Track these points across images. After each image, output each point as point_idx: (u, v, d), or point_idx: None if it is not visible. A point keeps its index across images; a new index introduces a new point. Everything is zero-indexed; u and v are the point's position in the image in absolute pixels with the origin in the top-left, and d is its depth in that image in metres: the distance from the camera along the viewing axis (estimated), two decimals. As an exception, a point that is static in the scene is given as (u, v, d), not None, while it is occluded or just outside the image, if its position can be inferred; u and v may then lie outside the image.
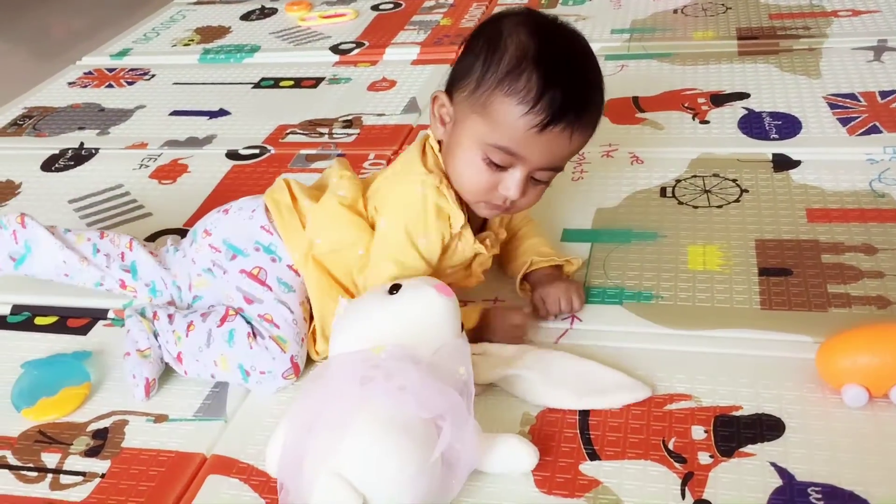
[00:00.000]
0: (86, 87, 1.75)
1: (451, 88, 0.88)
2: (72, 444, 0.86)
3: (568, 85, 0.82)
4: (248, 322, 0.90)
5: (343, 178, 0.94)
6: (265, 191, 0.99)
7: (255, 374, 0.88)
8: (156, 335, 0.92)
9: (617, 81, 1.52)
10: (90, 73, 1.82)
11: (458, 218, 0.89)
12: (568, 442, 0.81)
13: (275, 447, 0.77)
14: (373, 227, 0.92)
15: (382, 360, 0.75)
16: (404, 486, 0.71)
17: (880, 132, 1.26)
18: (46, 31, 2.36)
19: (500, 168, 0.85)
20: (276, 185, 0.98)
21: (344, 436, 0.71)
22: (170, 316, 0.94)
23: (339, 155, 1.37)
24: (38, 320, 1.05)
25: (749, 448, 0.78)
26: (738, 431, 0.80)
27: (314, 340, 0.93)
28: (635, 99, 1.45)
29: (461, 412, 0.74)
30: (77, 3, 2.51)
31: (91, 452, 0.85)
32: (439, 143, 0.91)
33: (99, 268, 1.01)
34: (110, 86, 1.74)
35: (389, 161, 1.34)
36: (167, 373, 0.93)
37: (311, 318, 0.93)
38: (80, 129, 1.56)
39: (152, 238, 1.20)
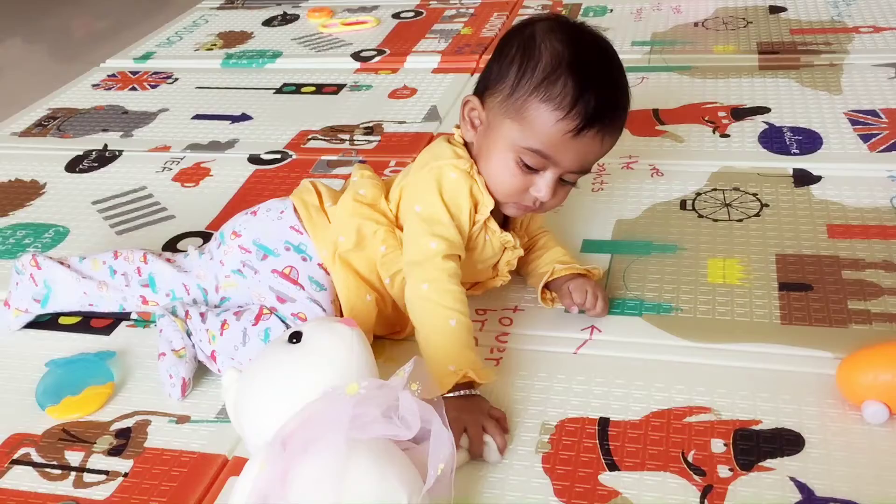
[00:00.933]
0: (109, 89, 1.77)
1: (483, 92, 0.91)
2: (95, 443, 0.87)
3: (600, 90, 0.85)
4: (283, 321, 0.91)
5: (363, 178, 0.96)
6: (291, 192, 1.01)
7: None
8: (189, 334, 0.93)
9: (637, 94, 1.50)
10: (114, 75, 1.83)
11: (489, 203, 0.91)
12: (587, 452, 0.81)
13: (241, 500, 0.69)
14: (397, 224, 0.93)
15: (365, 393, 0.70)
16: None
17: (902, 149, 1.26)
18: (68, 32, 2.39)
19: (532, 170, 0.88)
20: (302, 186, 1.00)
21: (344, 483, 0.66)
22: (202, 314, 0.94)
23: (360, 161, 1.38)
24: (63, 320, 1.06)
25: (768, 462, 0.78)
26: (758, 445, 0.80)
27: None
28: (655, 111, 1.46)
29: (440, 421, 0.71)
30: (99, 4, 2.54)
31: (114, 451, 0.86)
32: (465, 144, 0.93)
33: (118, 289, 1.01)
34: (134, 88, 1.76)
35: (410, 168, 1.35)
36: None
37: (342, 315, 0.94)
38: (104, 130, 1.58)
39: (175, 241, 1.21)
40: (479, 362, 0.85)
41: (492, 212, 0.92)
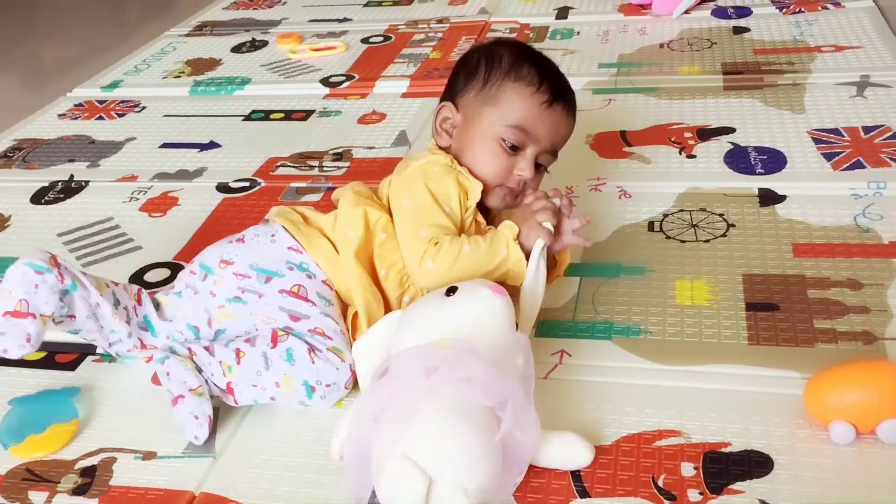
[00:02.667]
0: (76, 118, 1.75)
1: (454, 97, 1.01)
2: (59, 482, 0.85)
3: (557, 77, 1.00)
4: (301, 339, 0.90)
5: (354, 185, 1.00)
6: (263, 220, 1.03)
7: (320, 388, 0.89)
8: (199, 370, 0.90)
9: (604, 115, 1.54)
10: (81, 104, 1.82)
11: (477, 187, 0.96)
12: (558, 478, 0.81)
13: (340, 439, 0.82)
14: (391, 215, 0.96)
15: (447, 352, 0.78)
16: (467, 468, 0.74)
17: (864, 167, 1.28)
18: (38, 60, 2.37)
19: (514, 152, 0.97)
20: (279, 210, 1.01)
21: (410, 422, 0.75)
22: (206, 348, 0.91)
23: (328, 188, 1.38)
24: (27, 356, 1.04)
25: (738, 485, 0.78)
26: (727, 468, 0.80)
27: (356, 331, 0.94)
28: (623, 133, 1.47)
29: (522, 401, 0.77)
30: (68, 33, 2.53)
31: (79, 491, 0.84)
32: (442, 149, 1.01)
33: (122, 320, 0.94)
34: (101, 118, 1.75)
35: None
36: (155, 408, 0.93)
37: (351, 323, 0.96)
38: (71, 161, 1.56)
39: (142, 272, 1.20)
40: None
41: (478, 206, 0.97)
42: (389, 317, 0.89)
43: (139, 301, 0.97)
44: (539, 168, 0.99)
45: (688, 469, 0.80)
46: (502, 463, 0.77)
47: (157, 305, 0.98)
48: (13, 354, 0.87)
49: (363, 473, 0.77)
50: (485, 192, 0.97)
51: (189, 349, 0.91)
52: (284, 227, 0.97)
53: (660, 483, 0.79)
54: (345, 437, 0.82)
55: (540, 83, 0.97)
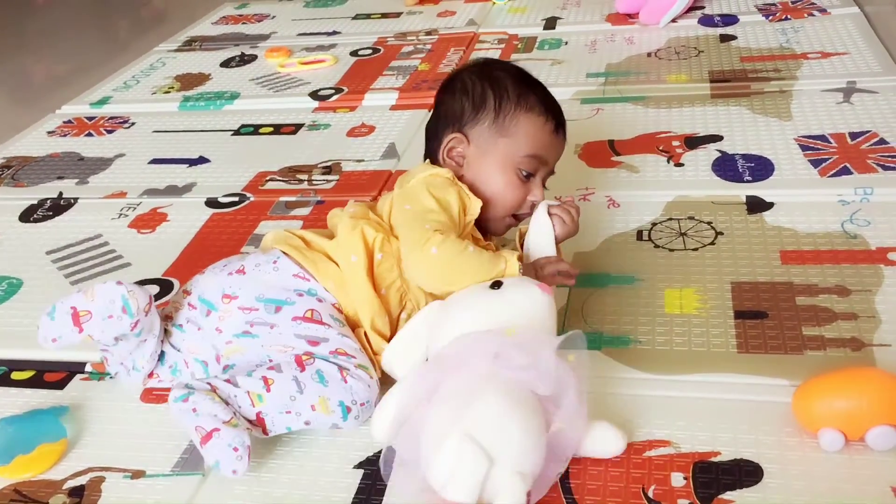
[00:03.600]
0: (65, 135, 1.75)
1: (462, 127, 1.02)
2: (48, 503, 0.85)
3: (553, 101, 1.05)
4: (325, 360, 0.87)
5: (350, 205, 1.01)
6: (261, 246, 1.02)
7: (355, 408, 0.86)
8: (226, 403, 0.86)
9: (593, 125, 1.55)
10: (70, 121, 1.82)
11: (476, 205, 0.97)
12: (549, 491, 0.80)
13: (384, 421, 0.83)
14: (392, 233, 0.96)
15: (515, 339, 0.81)
16: (526, 453, 0.77)
17: (851, 173, 1.28)
18: (27, 77, 2.37)
19: (527, 179, 1.01)
20: (277, 235, 1.00)
21: (472, 403, 0.77)
22: (227, 381, 0.87)
23: (317, 202, 1.38)
24: (15, 375, 1.04)
25: (728, 495, 0.78)
26: (717, 478, 0.80)
27: None
28: (611, 142, 1.47)
29: (576, 397, 0.80)
30: (57, 49, 2.53)
31: (67, 511, 0.84)
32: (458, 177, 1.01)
33: (155, 354, 0.93)
34: (90, 134, 1.75)
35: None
36: (142, 426, 0.93)
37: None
38: (60, 178, 1.56)
39: (131, 289, 1.19)
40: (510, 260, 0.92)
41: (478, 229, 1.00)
42: (419, 316, 0.91)
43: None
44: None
45: (678, 479, 0.80)
46: (547, 455, 0.79)
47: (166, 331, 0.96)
48: (40, 337, 0.90)
49: (414, 454, 0.78)
50: (491, 219, 1.01)
51: (209, 384, 0.87)
52: (286, 254, 0.96)
53: (650, 494, 0.79)
54: (391, 419, 0.82)
55: (547, 111, 1.02)
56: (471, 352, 0.81)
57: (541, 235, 0.98)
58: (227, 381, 0.87)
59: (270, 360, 0.90)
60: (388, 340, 0.92)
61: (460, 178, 1.00)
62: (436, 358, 0.84)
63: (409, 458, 0.78)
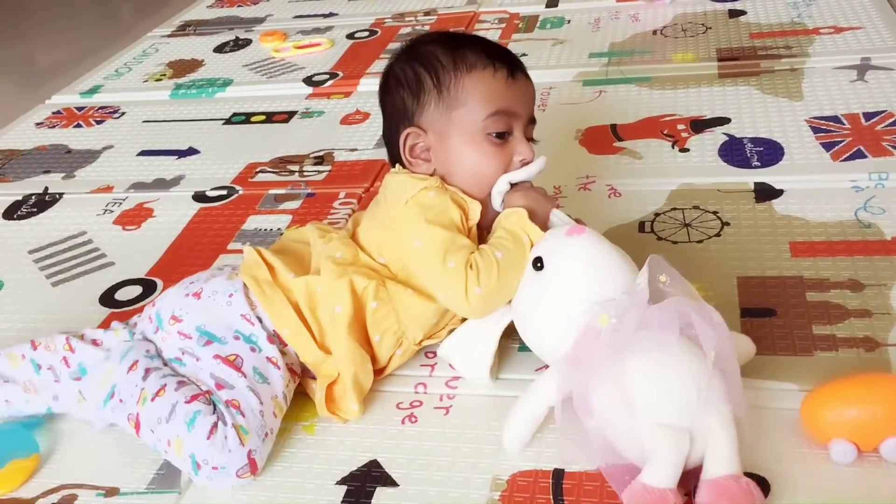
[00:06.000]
0: (53, 127, 1.71)
1: (412, 120, 0.92)
2: (17, 523, 0.81)
3: (494, 45, 0.95)
4: (215, 408, 0.82)
5: (331, 240, 0.92)
6: (230, 264, 0.96)
7: (206, 468, 0.80)
8: (111, 394, 0.84)
9: (595, 108, 1.49)
10: (59, 112, 1.78)
11: (475, 206, 0.90)
12: (541, 492, 0.76)
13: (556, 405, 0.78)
14: (389, 274, 0.90)
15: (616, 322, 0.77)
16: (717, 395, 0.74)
17: (865, 157, 1.22)
18: (29, 64, 2.33)
19: (503, 139, 0.91)
20: (248, 259, 0.92)
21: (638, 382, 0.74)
22: (147, 370, 0.85)
23: (308, 195, 1.33)
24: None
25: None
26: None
27: (332, 402, 0.88)
28: (613, 127, 1.41)
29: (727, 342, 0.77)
30: (60, 34, 2.48)
31: (37, 532, 0.80)
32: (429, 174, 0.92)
33: (47, 388, 0.90)
34: (78, 125, 1.70)
35: (360, 199, 1.30)
36: (118, 440, 0.88)
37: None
38: (46, 172, 1.52)
39: (113, 290, 1.15)
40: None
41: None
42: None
43: (70, 348, 0.91)
44: (530, 142, 0.94)
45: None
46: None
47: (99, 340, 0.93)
48: None
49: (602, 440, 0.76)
50: (485, 201, 0.92)
51: (136, 362, 0.85)
52: (246, 286, 0.89)
53: (649, 511, 0.74)
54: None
55: (492, 59, 0.91)
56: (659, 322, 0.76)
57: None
58: (147, 370, 0.85)
59: (188, 378, 0.86)
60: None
61: (432, 174, 0.92)
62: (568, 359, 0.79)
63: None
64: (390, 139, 0.96)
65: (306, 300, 0.88)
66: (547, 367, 0.90)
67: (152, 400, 0.83)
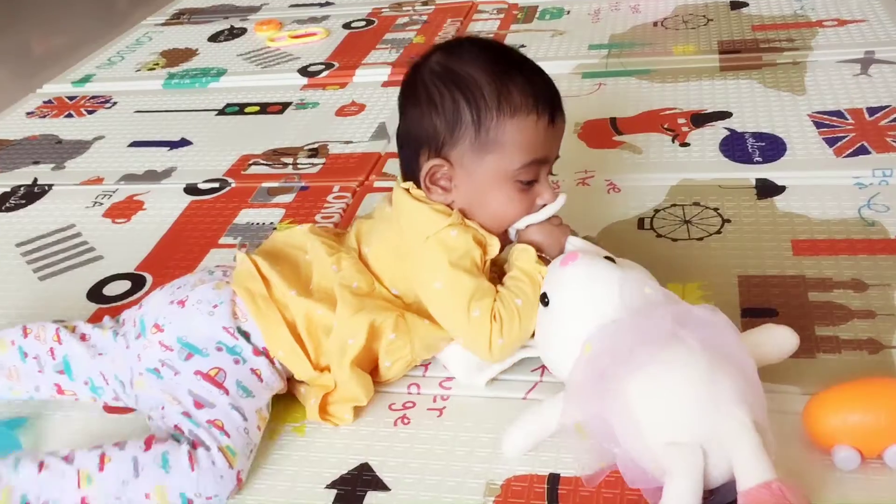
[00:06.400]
0: (44, 117, 1.68)
1: (440, 150, 0.86)
2: (-3, 528, 0.79)
3: (539, 79, 0.87)
4: (177, 441, 0.78)
5: (342, 262, 0.88)
6: (219, 263, 0.93)
7: (199, 501, 0.76)
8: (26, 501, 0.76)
9: (594, 101, 1.46)
10: (50, 101, 1.75)
11: (495, 244, 0.87)
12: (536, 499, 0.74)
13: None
14: (404, 306, 0.87)
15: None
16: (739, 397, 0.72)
17: (868, 153, 1.20)
18: (26, 51, 2.30)
19: (529, 185, 0.87)
20: (241, 267, 0.88)
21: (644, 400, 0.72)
22: (66, 457, 0.78)
23: (301, 188, 1.30)
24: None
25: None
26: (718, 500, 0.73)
27: (325, 410, 0.86)
28: (613, 120, 1.39)
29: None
30: (56, 22, 2.44)
31: (18, 536, 0.78)
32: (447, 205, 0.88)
33: (30, 377, 0.89)
34: (70, 115, 1.68)
35: (354, 192, 1.27)
36: (104, 440, 0.86)
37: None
38: (35, 163, 1.49)
39: (101, 285, 1.13)
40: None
41: None
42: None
43: (58, 339, 0.89)
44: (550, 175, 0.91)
45: (677, 501, 0.73)
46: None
47: (88, 334, 0.90)
48: None
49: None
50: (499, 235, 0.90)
51: (42, 462, 0.77)
52: (234, 301, 0.85)
53: (646, 518, 0.72)
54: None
55: (536, 103, 0.84)
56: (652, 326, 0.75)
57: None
58: (66, 457, 0.78)
59: (150, 410, 0.83)
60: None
61: (450, 204, 0.87)
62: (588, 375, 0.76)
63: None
64: (408, 150, 0.89)
65: (305, 323, 0.85)
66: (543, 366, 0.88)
67: (100, 471, 0.77)
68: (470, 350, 0.86)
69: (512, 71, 0.85)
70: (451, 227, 0.85)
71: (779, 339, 0.81)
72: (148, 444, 0.78)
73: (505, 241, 0.90)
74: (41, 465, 0.77)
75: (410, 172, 0.89)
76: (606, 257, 0.83)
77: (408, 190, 0.89)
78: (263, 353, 0.85)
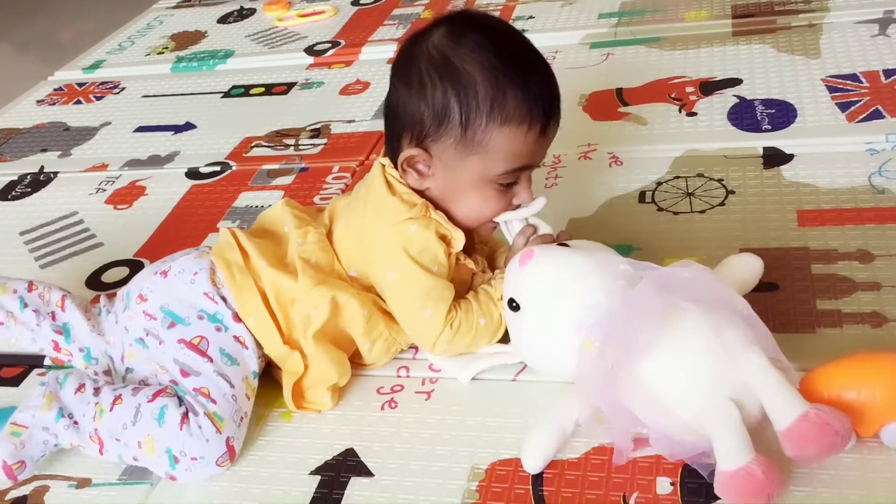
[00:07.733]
0: (54, 104, 1.69)
1: (423, 139, 0.83)
2: (-12, 515, 0.80)
3: (539, 81, 0.82)
4: (181, 400, 0.80)
5: (307, 236, 0.87)
6: (213, 244, 0.91)
7: (185, 460, 0.78)
8: (62, 413, 0.82)
9: (601, 72, 1.43)
10: (60, 89, 1.75)
11: (459, 237, 0.85)
12: (519, 500, 0.72)
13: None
14: (363, 288, 0.86)
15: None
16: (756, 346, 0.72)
17: (883, 117, 1.15)
18: (52, 37, 2.31)
19: (509, 186, 0.85)
20: (222, 239, 0.89)
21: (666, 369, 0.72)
22: (96, 389, 0.83)
23: (301, 169, 1.29)
24: None
25: (720, 503, 0.69)
26: (709, 484, 0.71)
27: (300, 396, 0.85)
28: (619, 91, 1.35)
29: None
30: (81, 7, 2.45)
31: (8, 524, 0.79)
32: (418, 190, 0.85)
33: (27, 326, 0.90)
34: (79, 102, 1.68)
35: (354, 172, 1.26)
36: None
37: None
38: (43, 151, 1.50)
39: (99, 273, 1.13)
40: None
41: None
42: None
43: (63, 307, 0.91)
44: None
45: (664, 485, 0.72)
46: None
47: (90, 312, 0.92)
48: None
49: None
50: (472, 230, 0.88)
51: (82, 385, 0.83)
52: (213, 269, 0.86)
53: (632, 502, 0.70)
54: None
55: (530, 114, 0.80)
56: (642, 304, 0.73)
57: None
58: (97, 388, 0.83)
59: (141, 381, 0.85)
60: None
61: (423, 191, 0.85)
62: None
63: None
64: (391, 134, 0.86)
65: (274, 293, 0.85)
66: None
67: (110, 410, 0.81)
68: (413, 340, 0.87)
69: (512, 72, 0.80)
70: (412, 221, 0.83)
71: (745, 263, 0.83)
72: (155, 395, 0.80)
73: (470, 234, 0.87)
74: (79, 388, 0.83)
75: (391, 150, 0.87)
76: (560, 243, 0.81)
77: (384, 167, 0.87)
78: (242, 320, 0.85)
